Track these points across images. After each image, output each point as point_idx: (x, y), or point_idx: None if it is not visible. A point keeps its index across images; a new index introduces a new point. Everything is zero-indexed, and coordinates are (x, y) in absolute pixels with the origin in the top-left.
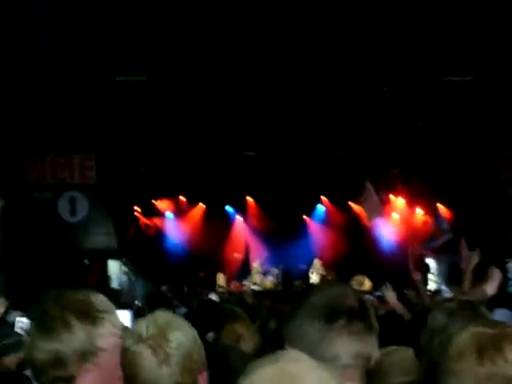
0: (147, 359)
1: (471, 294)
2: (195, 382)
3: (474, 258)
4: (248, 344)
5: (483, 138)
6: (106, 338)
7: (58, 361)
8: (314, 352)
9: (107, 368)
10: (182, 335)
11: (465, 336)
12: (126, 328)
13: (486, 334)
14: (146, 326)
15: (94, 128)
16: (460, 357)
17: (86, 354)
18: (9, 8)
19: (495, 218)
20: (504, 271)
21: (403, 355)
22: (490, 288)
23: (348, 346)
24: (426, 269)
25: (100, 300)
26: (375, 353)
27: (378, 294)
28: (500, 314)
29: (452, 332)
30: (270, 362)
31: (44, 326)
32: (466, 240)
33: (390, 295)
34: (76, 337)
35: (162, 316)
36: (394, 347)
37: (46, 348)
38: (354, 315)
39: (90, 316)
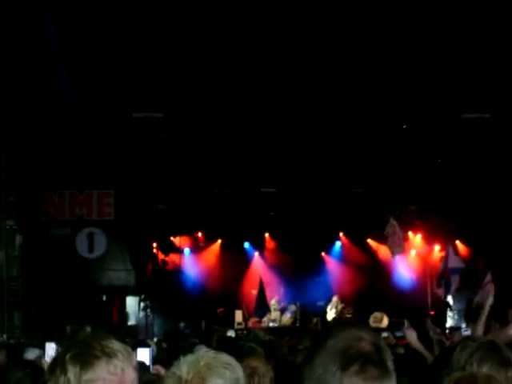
0: None
1: (496, 336)
2: None
3: (490, 300)
4: (264, 380)
5: (501, 175)
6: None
7: None
8: None
9: None
10: (221, 382)
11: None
12: (143, 365)
13: (465, 375)
14: (187, 370)
15: (113, 164)
16: None
17: None
18: (27, 48)
19: None
20: None
21: None
22: None
23: None
24: (445, 306)
25: (104, 344)
26: None
27: (398, 334)
28: None
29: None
30: None
31: (50, 367)
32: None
33: (411, 335)
34: (68, 380)
35: (204, 358)
36: None
37: None
38: (369, 360)
39: (83, 360)
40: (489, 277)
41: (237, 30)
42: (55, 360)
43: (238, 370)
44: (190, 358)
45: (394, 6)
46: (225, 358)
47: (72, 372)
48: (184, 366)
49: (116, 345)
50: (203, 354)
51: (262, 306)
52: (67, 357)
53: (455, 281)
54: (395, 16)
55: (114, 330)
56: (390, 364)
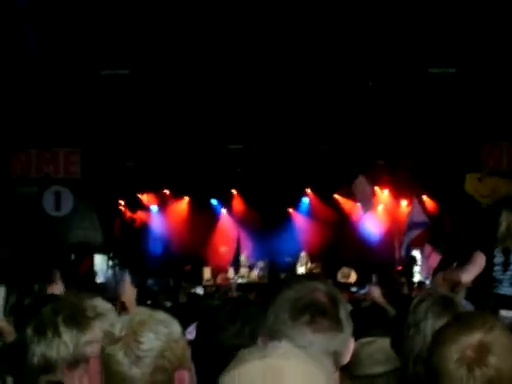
0: (119, 360)
1: (447, 280)
2: (171, 382)
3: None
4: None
5: (466, 130)
6: (94, 344)
7: (48, 366)
8: None
9: (97, 375)
10: (154, 336)
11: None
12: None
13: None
14: (120, 326)
15: (80, 122)
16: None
17: (75, 361)
18: None
19: (478, 208)
20: (492, 257)
21: (378, 347)
22: (467, 274)
23: (311, 343)
24: (412, 261)
25: (94, 304)
26: (346, 349)
27: (363, 291)
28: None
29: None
30: (255, 355)
31: (37, 330)
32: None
33: (375, 291)
34: (64, 343)
35: (139, 314)
36: (371, 338)
37: (37, 352)
38: (320, 311)
39: (78, 322)
40: (428, 249)
41: None
42: (44, 323)
43: (174, 326)
44: (126, 316)
45: None
46: (161, 315)
47: (68, 335)
48: (118, 324)
49: (105, 304)
50: (139, 312)
51: (236, 263)
52: (59, 319)
53: (413, 236)
54: None
55: (83, 288)
56: (344, 316)
